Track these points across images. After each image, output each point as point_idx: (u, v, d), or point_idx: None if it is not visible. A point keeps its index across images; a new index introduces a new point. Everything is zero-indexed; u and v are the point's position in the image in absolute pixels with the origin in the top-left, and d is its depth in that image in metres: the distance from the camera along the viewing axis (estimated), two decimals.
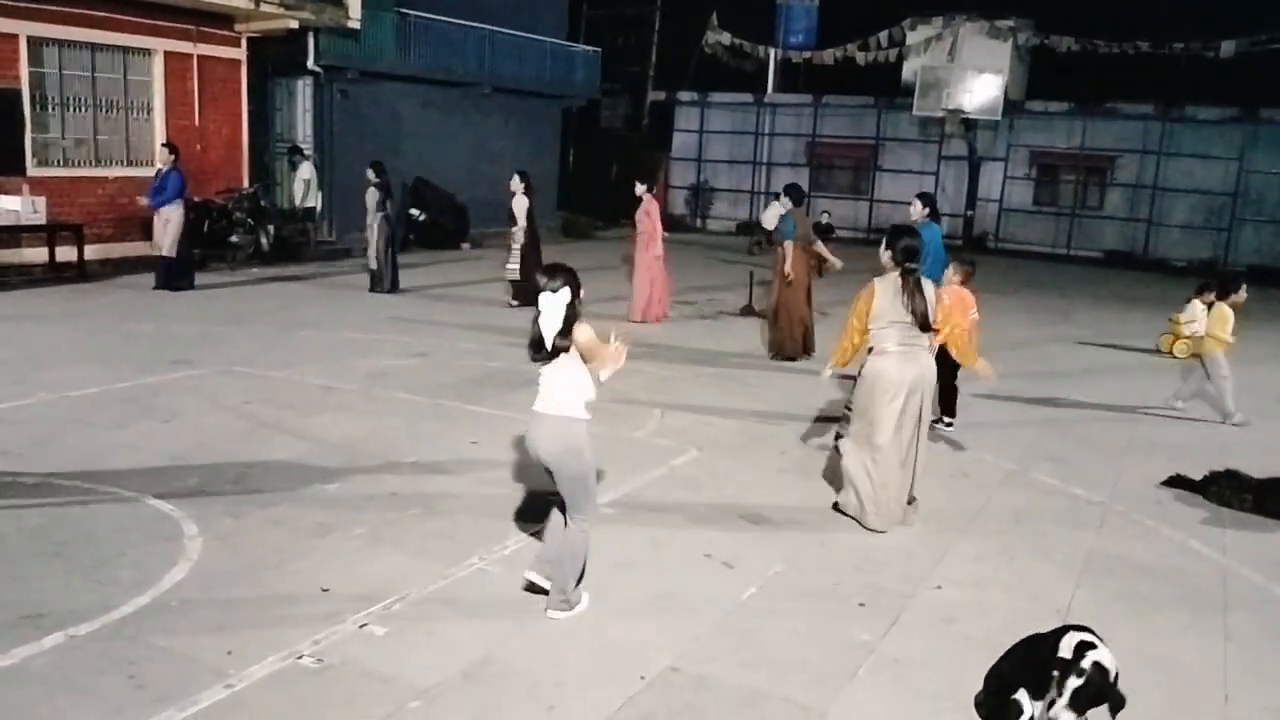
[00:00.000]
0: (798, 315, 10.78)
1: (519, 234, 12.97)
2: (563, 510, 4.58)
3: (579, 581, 4.60)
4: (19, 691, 3.72)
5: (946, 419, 8.12)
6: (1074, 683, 3.20)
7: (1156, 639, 4.70)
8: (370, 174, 13.69)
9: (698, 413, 8.30)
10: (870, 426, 5.78)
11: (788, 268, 10.59)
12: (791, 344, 10.77)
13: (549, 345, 4.30)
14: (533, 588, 4.63)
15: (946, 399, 7.99)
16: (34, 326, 10.40)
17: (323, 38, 17.97)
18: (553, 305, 4.27)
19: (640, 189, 12.69)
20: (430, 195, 20.02)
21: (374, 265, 13.84)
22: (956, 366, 7.89)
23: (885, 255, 5.87)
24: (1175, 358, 12.09)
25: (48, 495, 5.70)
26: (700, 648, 4.36)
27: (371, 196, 13.55)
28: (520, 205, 12.84)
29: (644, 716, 3.79)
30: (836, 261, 11.51)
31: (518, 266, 12.95)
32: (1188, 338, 12.10)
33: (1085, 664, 3.24)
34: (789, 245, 10.63)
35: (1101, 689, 3.22)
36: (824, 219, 12.83)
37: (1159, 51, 24.19)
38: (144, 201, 12.99)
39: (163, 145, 13.31)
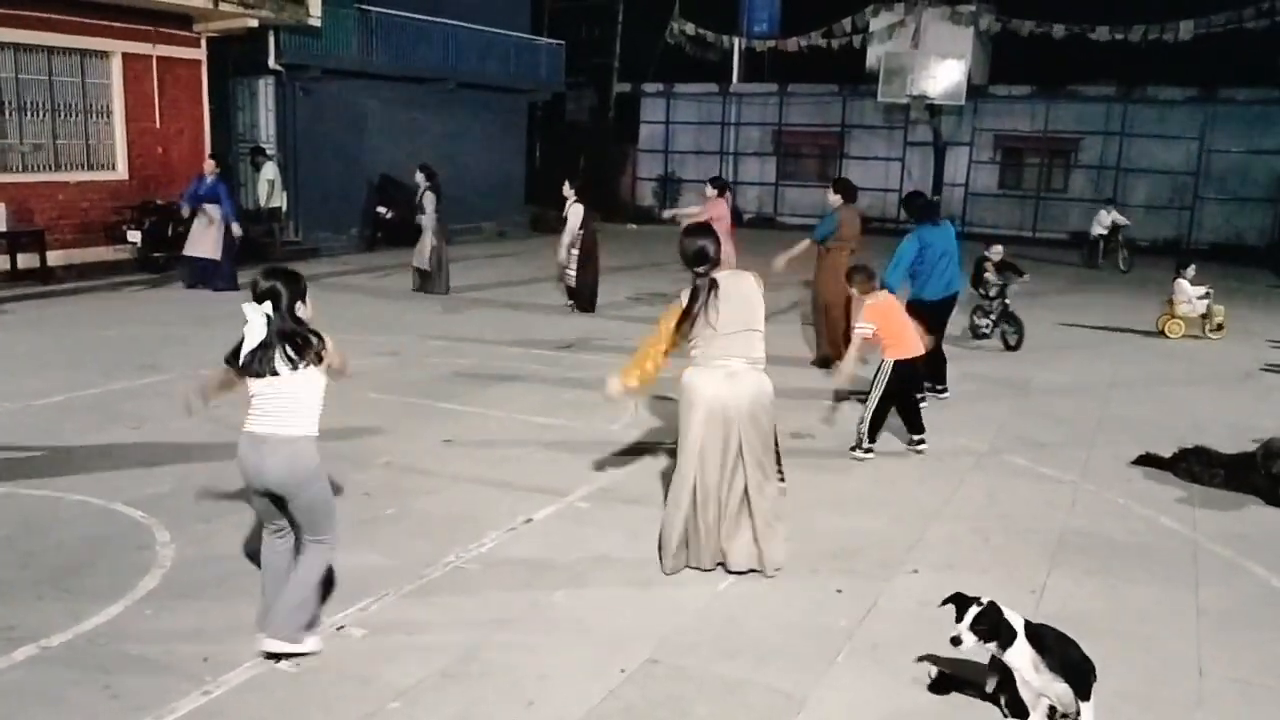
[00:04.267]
0: (840, 325, 9.65)
1: (576, 240, 12.64)
2: (280, 548, 4.14)
3: (312, 624, 4.07)
4: None
5: (939, 387, 8.20)
6: (974, 609, 3.67)
7: (1130, 615, 4.75)
8: (420, 177, 13.71)
9: (674, 405, 8.29)
10: (679, 449, 4.96)
11: (779, 262, 9.54)
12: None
13: (252, 360, 3.85)
14: (273, 656, 4.00)
15: (937, 368, 8.00)
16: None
17: (283, 36, 17.76)
18: (256, 315, 3.83)
19: (710, 191, 12.02)
20: (397, 193, 19.79)
21: (425, 266, 13.83)
22: (939, 336, 7.91)
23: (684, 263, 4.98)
24: (1167, 337, 12.23)
25: (15, 506, 5.61)
26: (680, 638, 4.36)
27: (429, 200, 13.53)
28: (576, 213, 12.45)
29: (625, 709, 3.80)
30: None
31: (574, 273, 12.74)
32: (1179, 317, 12.25)
33: (984, 599, 3.72)
34: (804, 244, 9.71)
35: (997, 621, 3.65)
36: (995, 257, 11.46)
37: (1119, 34, 24.42)
38: (185, 211, 13.54)
39: (210, 157, 13.73)
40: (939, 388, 8.66)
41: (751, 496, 4.90)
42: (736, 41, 29.14)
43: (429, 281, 13.89)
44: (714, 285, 4.80)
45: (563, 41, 25.84)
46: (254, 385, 3.93)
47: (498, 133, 23.43)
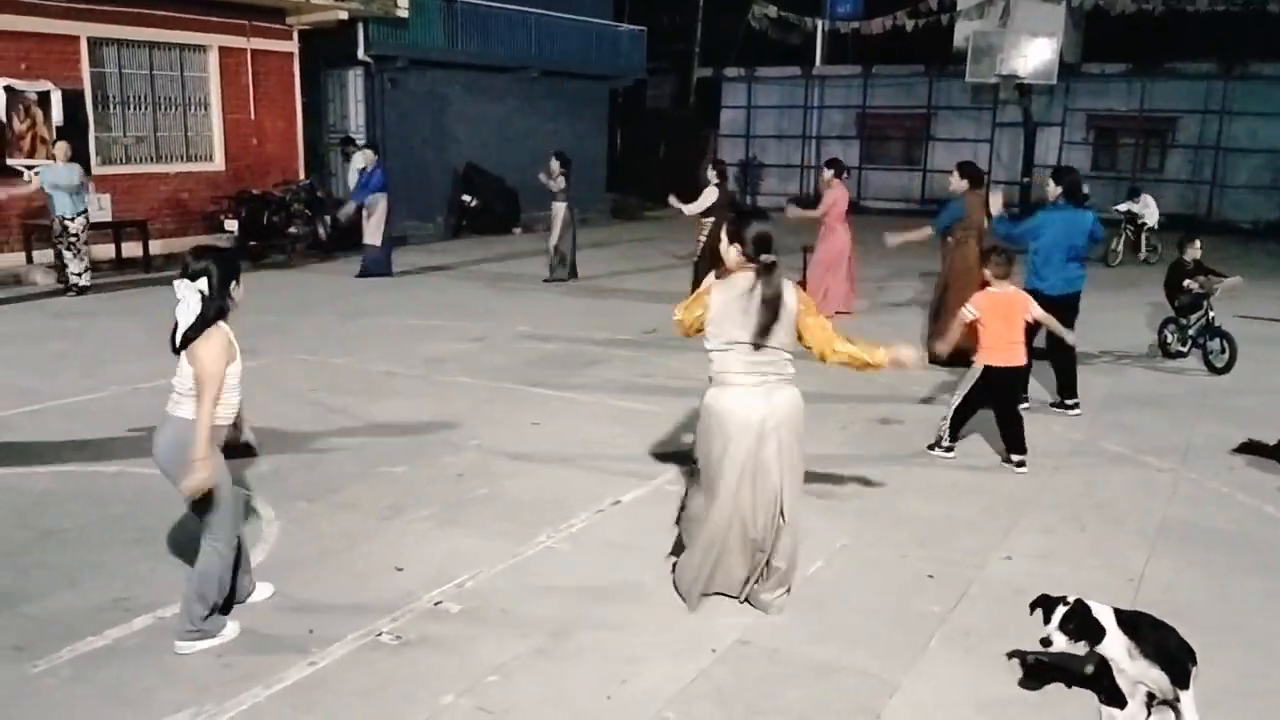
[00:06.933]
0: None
1: (707, 224, 12.16)
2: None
3: (223, 609, 4.10)
4: (112, 670, 3.86)
5: (1068, 401, 7.77)
6: (1061, 609, 3.66)
7: (1233, 606, 4.63)
8: (556, 164, 13.90)
9: None
10: (710, 478, 4.38)
11: (894, 240, 9.32)
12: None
13: (178, 338, 3.86)
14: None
15: (1066, 378, 7.67)
16: (104, 321, 10.68)
17: (372, 28, 18.13)
18: (189, 292, 3.83)
19: (828, 174, 11.86)
20: (481, 181, 20.16)
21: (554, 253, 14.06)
22: (1071, 345, 7.44)
23: (733, 250, 4.25)
24: None
25: (127, 484, 5.87)
26: (769, 621, 4.37)
27: (558, 185, 13.76)
28: (709, 195, 12.11)
29: (716, 689, 3.83)
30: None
31: (697, 259, 12.37)
32: None
33: (1070, 598, 3.69)
34: (925, 230, 9.20)
35: (1084, 619, 3.62)
36: (1195, 255, 9.73)
37: (1219, 6, 23.48)
38: (348, 208, 14.19)
39: (366, 147, 14.41)
40: (1067, 402, 7.80)
41: (787, 519, 4.36)
42: (819, 23, 28.77)
43: (555, 269, 14.07)
44: (778, 287, 4.21)
45: (644, 28, 25.84)
46: (180, 363, 3.94)
47: (579, 120, 23.56)
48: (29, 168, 13.04)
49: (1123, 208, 17.80)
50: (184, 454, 3.84)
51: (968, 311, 6.48)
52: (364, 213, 13.90)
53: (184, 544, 4.99)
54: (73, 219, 11.99)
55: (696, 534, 4.46)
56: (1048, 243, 7.60)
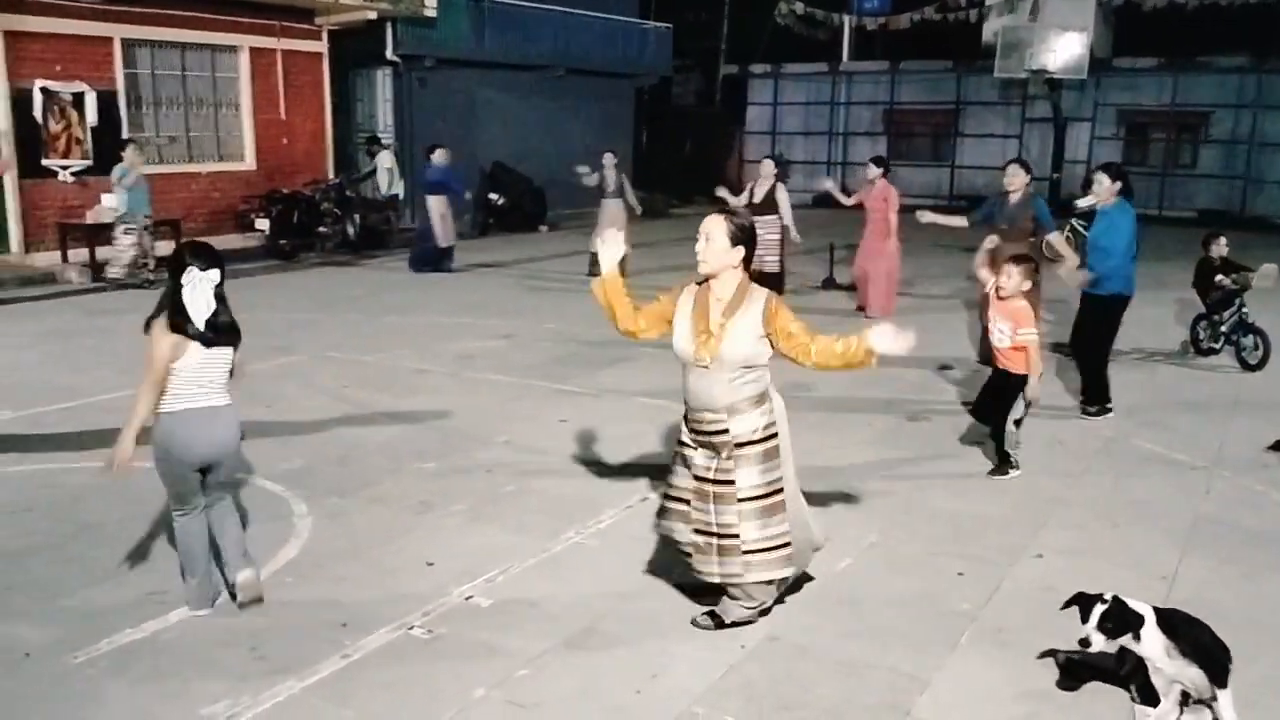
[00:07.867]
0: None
1: (779, 224, 11.99)
2: (198, 527, 4.31)
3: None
4: (150, 662, 3.92)
5: (1108, 405, 7.54)
6: (1099, 608, 3.61)
7: (1268, 605, 4.58)
8: (609, 158, 13.97)
9: (783, 386, 8.26)
10: (787, 461, 4.42)
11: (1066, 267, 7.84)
12: None
13: (216, 324, 4.12)
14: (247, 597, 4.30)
15: (1098, 382, 7.47)
16: (137, 319, 10.73)
17: (400, 27, 18.24)
18: (203, 284, 4.10)
19: (874, 172, 11.57)
20: (508, 179, 20.23)
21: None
22: (1110, 344, 7.34)
23: (737, 253, 4.31)
24: None
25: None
26: (799, 618, 4.38)
27: (610, 180, 13.78)
28: (785, 195, 11.90)
29: (746, 684, 3.84)
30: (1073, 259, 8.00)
31: (777, 258, 12.05)
32: None
33: (1106, 595, 3.65)
34: (1055, 238, 8.69)
35: (1123, 617, 3.58)
36: (1222, 251, 9.74)
37: (1252, 0, 23.17)
38: (467, 195, 14.76)
39: (439, 147, 14.42)
40: (1108, 405, 7.56)
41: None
42: (846, 19, 28.64)
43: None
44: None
45: (670, 25, 25.83)
46: (197, 354, 4.12)
47: (605, 118, 23.58)
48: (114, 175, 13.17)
49: (1084, 203, 16.69)
50: (239, 432, 4.29)
51: (1033, 335, 6.05)
52: (433, 214, 14.14)
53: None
54: (149, 216, 12.66)
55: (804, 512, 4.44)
56: (1121, 241, 7.16)
